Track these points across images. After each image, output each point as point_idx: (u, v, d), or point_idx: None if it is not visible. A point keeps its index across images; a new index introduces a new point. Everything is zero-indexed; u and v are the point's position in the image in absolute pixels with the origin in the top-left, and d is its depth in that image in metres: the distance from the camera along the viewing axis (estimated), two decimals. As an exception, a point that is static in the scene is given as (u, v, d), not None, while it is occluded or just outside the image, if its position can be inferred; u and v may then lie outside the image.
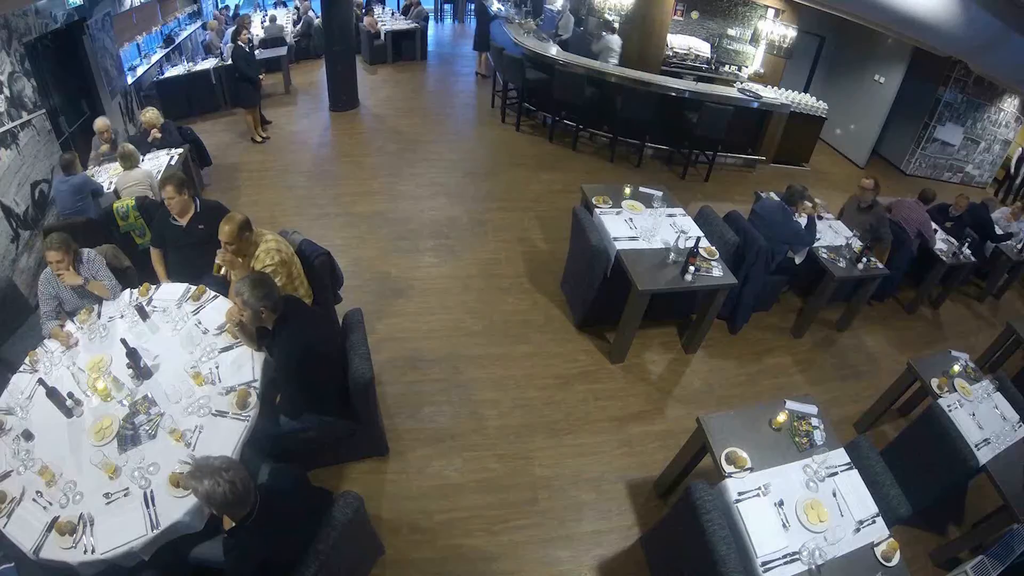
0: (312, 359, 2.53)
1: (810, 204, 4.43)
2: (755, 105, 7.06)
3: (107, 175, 4.64)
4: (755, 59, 8.85)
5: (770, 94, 7.29)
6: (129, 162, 4.33)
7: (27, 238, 4.33)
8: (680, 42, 8.83)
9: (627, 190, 4.42)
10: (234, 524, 1.88)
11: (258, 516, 1.85)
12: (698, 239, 3.69)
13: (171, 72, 7.72)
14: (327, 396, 2.72)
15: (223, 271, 2.97)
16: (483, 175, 6.41)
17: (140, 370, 2.63)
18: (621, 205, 4.28)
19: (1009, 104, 8.66)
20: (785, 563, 2.16)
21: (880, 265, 4.40)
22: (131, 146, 4.42)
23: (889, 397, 3.70)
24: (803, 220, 4.32)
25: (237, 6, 11.89)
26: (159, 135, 5.27)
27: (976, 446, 2.92)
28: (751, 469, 2.44)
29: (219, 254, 2.88)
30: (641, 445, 3.45)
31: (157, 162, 4.92)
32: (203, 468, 1.75)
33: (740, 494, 2.35)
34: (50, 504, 2.18)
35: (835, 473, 2.51)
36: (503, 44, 7.86)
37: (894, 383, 3.66)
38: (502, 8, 9.82)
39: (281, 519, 1.93)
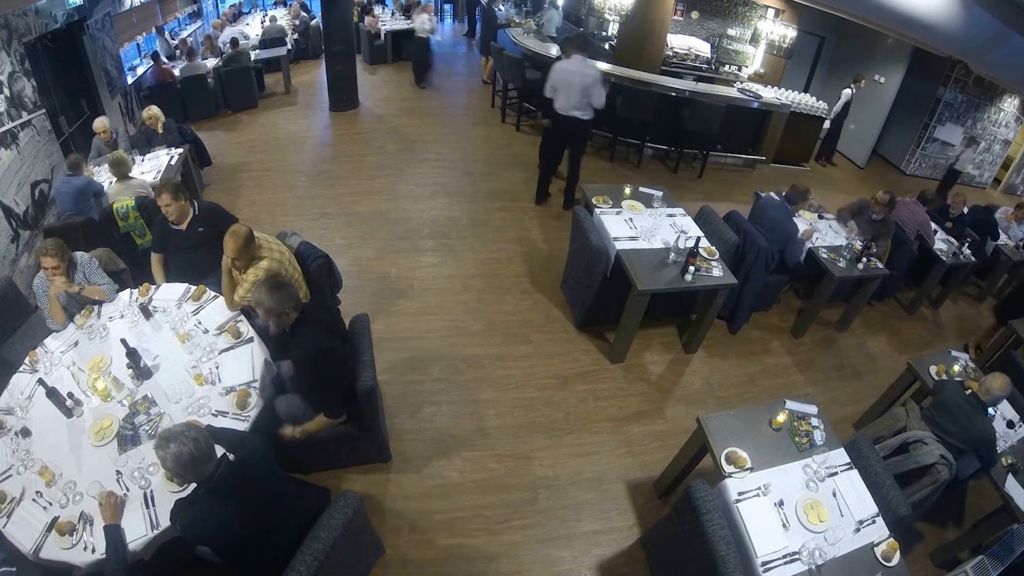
0: (333, 358, 2.53)
1: (808, 228, 4.44)
2: (755, 105, 7.07)
3: (107, 175, 4.62)
4: (755, 59, 8.84)
5: (770, 94, 7.30)
6: (120, 170, 4.21)
7: (27, 238, 4.33)
8: (680, 42, 8.81)
9: (627, 190, 4.42)
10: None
11: (219, 479, 1.87)
12: (698, 239, 3.69)
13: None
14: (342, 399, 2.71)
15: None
16: (483, 175, 6.41)
17: (140, 370, 2.63)
18: (621, 205, 4.28)
19: (1009, 104, 8.67)
20: (785, 563, 2.17)
21: (880, 265, 4.40)
22: (123, 153, 4.33)
23: (889, 397, 3.70)
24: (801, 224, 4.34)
25: (238, 5, 11.87)
26: (160, 131, 5.26)
27: (976, 446, 2.91)
28: (751, 469, 2.44)
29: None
30: (641, 445, 3.45)
31: (157, 162, 4.91)
32: (166, 436, 1.81)
33: (740, 494, 2.35)
34: (50, 504, 2.18)
35: (835, 473, 2.52)
36: (503, 44, 7.87)
37: (894, 383, 3.66)
38: (502, 8, 9.82)
39: (241, 487, 1.93)
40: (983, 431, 2.84)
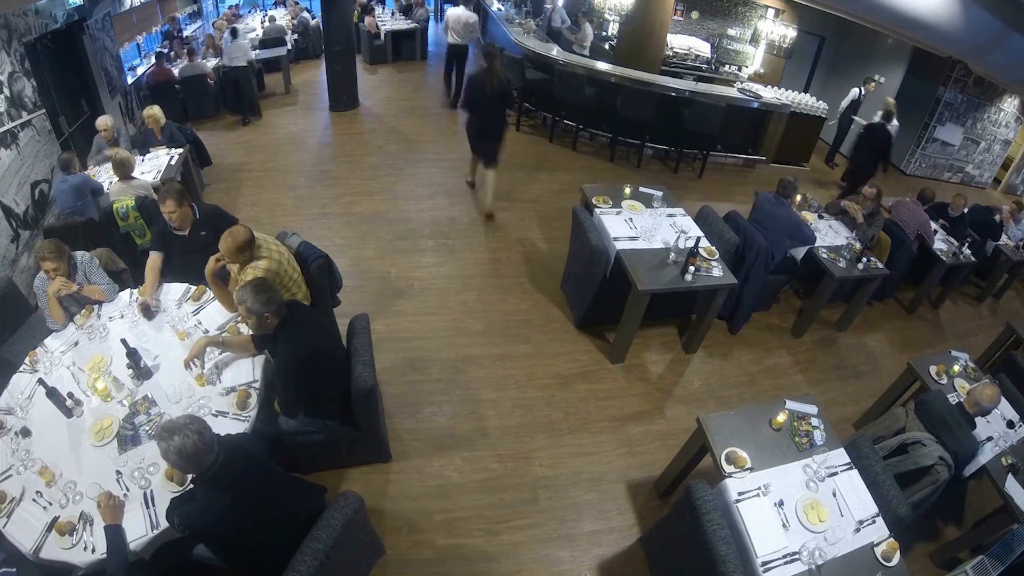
0: (315, 362, 2.53)
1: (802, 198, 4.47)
2: (755, 105, 7.07)
3: (107, 174, 4.62)
4: (755, 59, 8.86)
5: (770, 94, 7.30)
6: (123, 170, 4.19)
7: (27, 238, 4.33)
8: (680, 42, 8.83)
9: (627, 190, 4.42)
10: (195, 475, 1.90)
11: (218, 470, 1.88)
12: (698, 239, 3.69)
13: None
14: (329, 400, 2.72)
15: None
16: (483, 175, 6.40)
17: (140, 370, 2.63)
18: (621, 205, 4.28)
19: (1009, 104, 8.67)
20: (785, 563, 2.17)
21: (880, 265, 4.40)
22: (126, 152, 4.31)
23: (889, 397, 3.70)
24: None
25: (237, 5, 11.87)
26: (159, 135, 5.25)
27: (976, 446, 2.90)
28: (751, 469, 2.44)
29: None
30: (641, 445, 3.45)
31: (157, 162, 4.91)
32: (170, 428, 1.81)
33: (740, 494, 2.35)
34: (50, 504, 2.18)
35: (835, 473, 2.52)
36: (503, 44, 7.86)
37: (894, 383, 3.67)
38: (502, 8, 9.81)
39: (239, 479, 1.95)
40: (966, 448, 2.78)
